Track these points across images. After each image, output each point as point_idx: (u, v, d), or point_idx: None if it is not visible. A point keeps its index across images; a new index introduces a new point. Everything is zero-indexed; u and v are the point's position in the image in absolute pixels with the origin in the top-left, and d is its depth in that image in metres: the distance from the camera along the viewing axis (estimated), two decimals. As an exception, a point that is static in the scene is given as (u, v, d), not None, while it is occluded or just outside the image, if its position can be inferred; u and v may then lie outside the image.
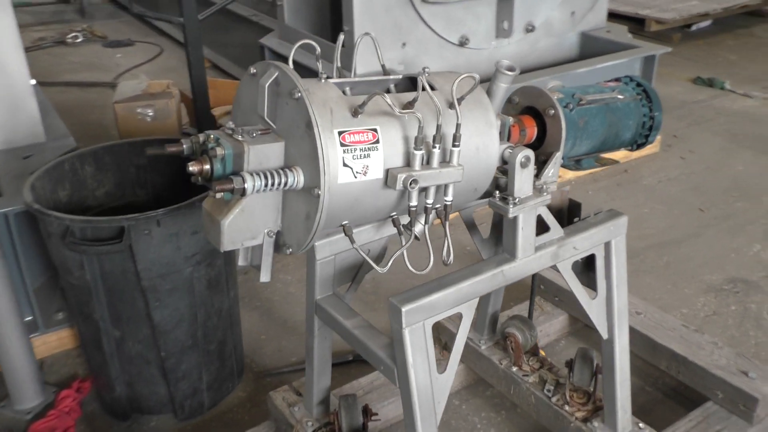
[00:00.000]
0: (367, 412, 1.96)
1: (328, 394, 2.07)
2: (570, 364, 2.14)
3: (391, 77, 1.59)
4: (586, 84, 1.94)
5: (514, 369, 2.27)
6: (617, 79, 1.98)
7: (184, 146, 1.42)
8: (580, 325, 2.72)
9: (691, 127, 4.50)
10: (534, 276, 2.24)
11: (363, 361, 2.56)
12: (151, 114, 3.33)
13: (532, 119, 1.74)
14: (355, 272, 1.89)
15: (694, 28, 6.54)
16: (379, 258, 1.90)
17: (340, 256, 1.81)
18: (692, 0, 6.69)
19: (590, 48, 4.23)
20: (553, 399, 2.15)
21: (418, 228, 1.56)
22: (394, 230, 1.78)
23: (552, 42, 4.18)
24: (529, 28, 4.02)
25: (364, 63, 2.42)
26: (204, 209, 1.43)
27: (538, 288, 2.67)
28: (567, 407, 2.12)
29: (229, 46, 5.74)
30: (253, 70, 1.45)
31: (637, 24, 6.08)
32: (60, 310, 2.73)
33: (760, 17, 6.86)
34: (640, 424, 2.04)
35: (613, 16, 4.37)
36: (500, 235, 2.02)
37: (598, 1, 4.28)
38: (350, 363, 2.58)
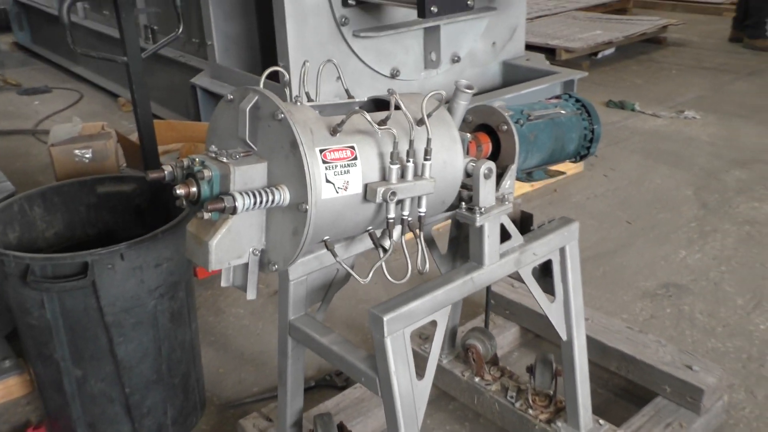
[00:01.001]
0: (342, 429, 1.99)
1: (300, 416, 2.09)
2: (531, 370, 2.24)
3: (357, 100, 1.67)
4: (524, 104, 2.08)
5: (477, 379, 2.36)
6: (557, 97, 2.13)
7: (166, 172, 1.44)
8: (531, 336, 2.84)
9: (609, 146, 4.78)
10: (488, 288, 2.33)
11: (325, 385, 2.61)
12: (89, 156, 3.29)
13: (486, 135, 1.85)
14: (324, 292, 1.94)
15: (600, 55, 6.95)
16: (347, 277, 1.96)
17: (311, 276, 1.86)
18: (596, 30, 7.13)
19: (512, 76, 4.45)
20: (517, 404, 2.24)
21: (386, 243, 1.63)
22: (362, 249, 1.86)
23: (477, 71, 4.38)
24: (455, 59, 4.21)
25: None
26: (189, 232, 1.46)
27: (485, 323, 2.77)
28: (530, 411, 2.21)
29: (154, 89, 5.70)
30: (230, 96, 1.50)
31: (548, 53, 6.41)
32: (6, 358, 2.64)
33: (657, 44, 7.36)
34: (600, 421, 2.15)
35: (526, 47, 4.64)
36: (458, 249, 2.12)
37: (516, 32, 4.52)
38: (313, 389, 2.60)
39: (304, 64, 1.71)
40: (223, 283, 1.54)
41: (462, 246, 2.10)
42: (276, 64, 4.08)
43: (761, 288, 3.17)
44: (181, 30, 2.72)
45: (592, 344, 2.53)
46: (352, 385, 2.44)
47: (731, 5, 8.61)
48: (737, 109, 5.46)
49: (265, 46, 4.47)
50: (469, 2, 3.37)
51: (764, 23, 7.01)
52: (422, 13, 3.22)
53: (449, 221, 2.09)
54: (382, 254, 1.56)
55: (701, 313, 3.01)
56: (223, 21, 4.25)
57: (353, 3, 3.66)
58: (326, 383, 2.62)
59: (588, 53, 6.72)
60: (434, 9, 3.21)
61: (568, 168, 4.31)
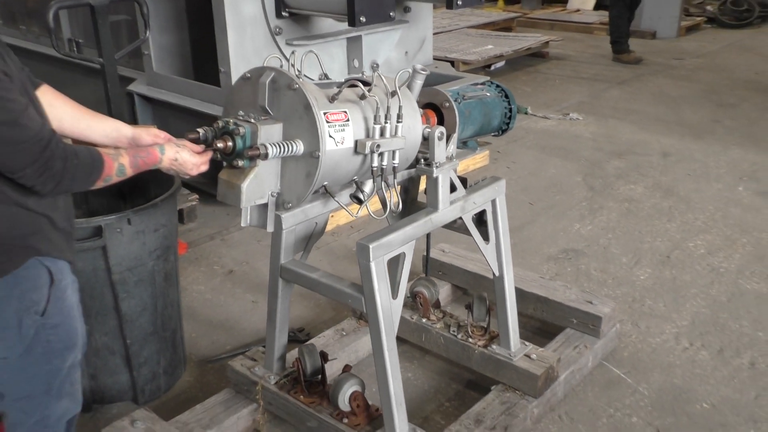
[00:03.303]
0: (324, 356, 2.42)
1: (285, 351, 2.49)
2: (469, 307, 2.74)
3: (340, 81, 2.12)
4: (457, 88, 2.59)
5: (424, 320, 2.83)
6: (481, 84, 2.67)
7: (200, 133, 1.85)
8: (460, 293, 3.35)
9: (509, 144, 5.42)
10: (428, 236, 2.79)
11: (290, 340, 3.00)
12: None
13: (432, 111, 2.35)
14: (306, 242, 2.36)
15: (492, 67, 7.68)
16: (321, 232, 2.40)
17: (297, 227, 2.28)
18: (488, 45, 7.86)
19: (425, 81, 4.99)
20: (459, 336, 2.73)
21: (367, 188, 2.09)
22: (336, 206, 2.30)
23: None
24: (374, 66, 4.71)
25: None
26: (221, 179, 1.86)
27: (424, 267, 3.25)
28: (470, 340, 2.70)
29: (84, 99, 5.87)
30: (247, 74, 1.92)
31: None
32: None
33: (541, 57, 8.19)
34: (526, 343, 2.68)
35: (430, 58, 5.23)
36: (406, 211, 2.60)
37: (424, 43, 5.09)
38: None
39: (292, 53, 2.14)
40: (242, 223, 1.95)
41: (409, 207, 2.57)
42: (207, 71, 4.47)
43: (640, 249, 3.83)
44: (148, 34, 3.06)
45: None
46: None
47: (601, 24, 9.66)
48: (612, 111, 6.27)
49: (195, 55, 4.82)
50: (391, 14, 3.88)
51: (624, 40, 8.01)
52: (352, 22, 3.70)
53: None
54: (365, 197, 2.02)
55: (595, 270, 3.63)
56: (158, 33, 4.56)
57: (286, 15, 4.09)
58: (291, 338, 3.01)
59: (482, 65, 7.42)
60: (363, 19, 3.70)
61: (476, 161, 4.91)
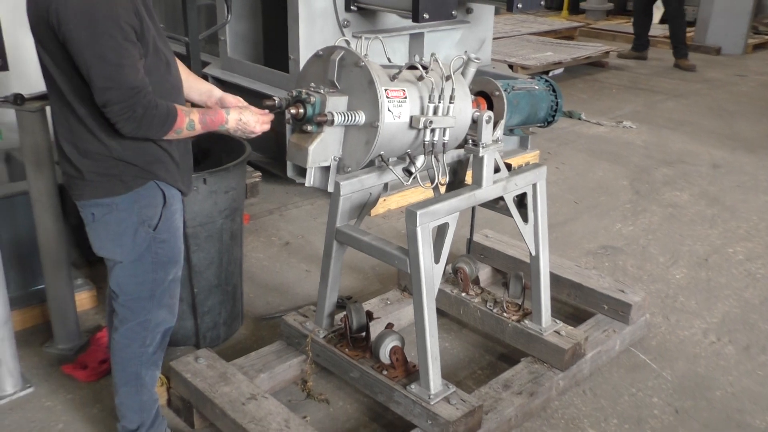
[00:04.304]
0: (370, 315, 2.66)
1: (334, 309, 2.74)
2: (505, 284, 2.95)
3: (401, 65, 2.35)
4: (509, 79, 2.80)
5: (463, 295, 3.05)
6: (531, 77, 2.87)
7: (276, 101, 2.11)
8: (499, 276, 3.55)
9: (560, 146, 5.58)
10: (473, 210, 2.99)
11: (344, 306, 3.25)
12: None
13: (483, 99, 2.57)
14: (360, 210, 2.61)
15: (551, 74, 7.81)
16: (375, 202, 2.64)
17: (353, 195, 2.53)
18: (547, 52, 8.00)
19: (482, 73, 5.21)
20: (494, 311, 2.94)
21: (419, 163, 2.32)
22: (390, 178, 2.54)
23: (451, 75, 5.12)
24: (433, 54, 4.93)
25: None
26: (291, 141, 2.12)
27: (467, 247, 3.46)
28: (505, 314, 2.91)
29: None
30: (320, 52, 2.17)
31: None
32: (77, 278, 3.20)
33: (600, 67, 8.29)
34: (557, 321, 2.87)
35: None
36: (456, 188, 2.81)
37: (484, 43, 5.30)
38: (329, 308, 3.24)
39: (360, 37, 2.38)
40: (307, 183, 2.20)
41: (456, 189, 2.78)
42: (278, 58, 4.76)
43: (678, 251, 3.97)
44: (229, 17, 3.36)
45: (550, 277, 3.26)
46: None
47: (664, 38, 9.68)
48: (666, 122, 6.36)
49: (267, 42, 5.13)
50: (453, 12, 4.11)
51: (682, 46, 8.27)
52: (416, 19, 3.94)
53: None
54: (416, 168, 2.26)
55: (632, 267, 3.79)
56: (234, 21, 4.88)
57: (354, 9, 4.36)
58: (339, 304, 3.26)
59: (541, 71, 7.55)
60: (426, 15, 3.94)
61: (526, 160, 5.09)
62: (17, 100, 2.48)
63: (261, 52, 5.17)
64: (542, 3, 4.56)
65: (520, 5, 4.29)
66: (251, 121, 2.06)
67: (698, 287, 3.59)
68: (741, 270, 3.77)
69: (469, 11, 5.00)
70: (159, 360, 2.24)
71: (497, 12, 5.71)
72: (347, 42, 2.26)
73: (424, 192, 4.44)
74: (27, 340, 2.93)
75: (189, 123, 1.94)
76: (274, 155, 4.75)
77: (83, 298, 3.14)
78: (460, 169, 2.77)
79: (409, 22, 4.51)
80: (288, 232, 4.07)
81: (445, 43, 4.96)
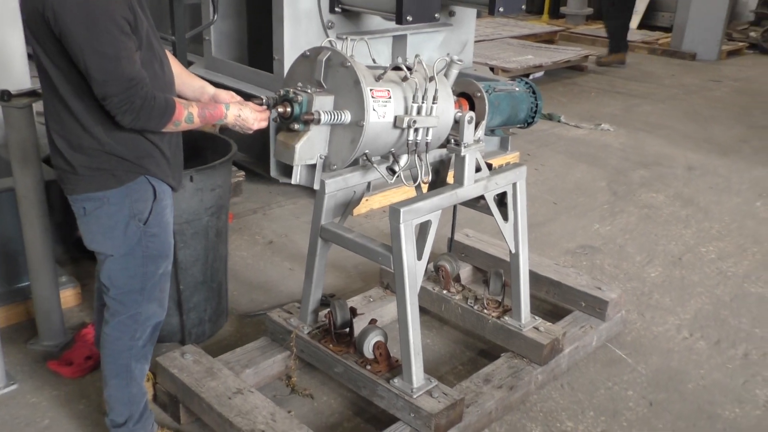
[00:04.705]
0: (353, 311, 2.71)
1: (318, 306, 2.79)
2: (486, 281, 3.01)
3: (386, 66, 2.41)
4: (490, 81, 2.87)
5: (444, 292, 3.11)
6: (512, 79, 2.94)
7: (263, 99, 2.16)
8: (480, 275, 3.61)
9: (540, 148, 5.68)
10: (455, 209, 3.06)
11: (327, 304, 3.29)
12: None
13: (465, 100, 2.63)
14: (344, 208, 2.66)
15: (531, 77, 7.91)
16: (358, 200, 2.70)
17: (337, 193, 2.58)
18: (528, 55, 8.11)
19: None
20: (475, 307, 3.00)
21: (402, 161, 2.38)
22: (374, 177, 2.59)
23: (433, 77, 5.19)
24: (417, 56, 5.00)
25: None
26: (278, 140, 2.17)
27: (448, 245, 3.52)
28: (485, 311, 2.97)
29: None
30: (307, 53, 2.23)
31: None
32: (62, 275, 3.22)
33: (580, 71, 8.41)
34: (536, 317, 2.94)
35: (471, 63, 5.49)
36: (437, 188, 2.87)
37: (466, 46, 5.37)
38: (312, 305, 3.28)
39: (345, 38, 2.43)
40: (293, 181, 2.25)
41: (438, 186, 2.85)
42: (262, 59, 4.80)
43: (654, 251, 4.06)
44: (215, 17, 3.40)
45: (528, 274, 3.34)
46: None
47: (642, 43, 9.85)
48: (643, 125, 6.48)
49: (251, 42, 5.17)
50: (436, 15, 4.17)
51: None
52: (399, 20, 4.00)
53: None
54: (399, 166, 2.32)
55: (609, 265, 3.88)
56: (219, 20, 4.92)
57: (339, 10, 4.41)
58: (322, 302, 3.31)
59: (521, 74, 7.65)
60: (409, 18, 4.01)
61: (505, 161, 5.17)
62: (4, 96, 2.50)
63: (245, 52, 5.20)
64: (523, 7, 4.64)
65: (501, 8, 4.36)
66: (249, 117, 2.11)
67: (672, 285, 3.68)
68: (713, 268, 3.87)
69: (451, 14, 5.07)
70: (149, 354, 2.28)
71: (479, 15, 5.78)
72: (332, 43, 2.31)
73: (406, 192, 4.50)
74: (11, 337, 2.94)
75: (188, 116, 1.98)
76: (257, 155, 4.78)
77: (67, 296, 3.16)
78: (442, 169, 2.83)
79: (392, 24, 4.57)
80: (271, 230, 4.11)
81: (428, 46, 5.03)
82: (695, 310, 3.46)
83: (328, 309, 2.72)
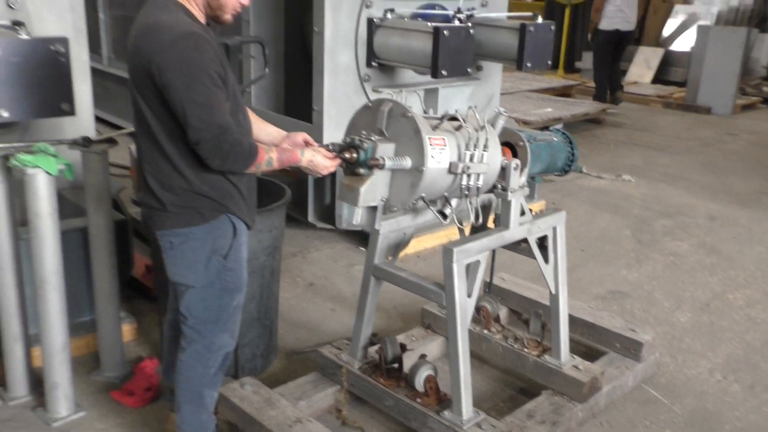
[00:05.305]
0: (403, 347, 2.84)
1: (368, 342, 2.93)
2: (526, 322, 3.15)
3: (440, 116, 2.60)
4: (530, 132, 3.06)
5: (485, 332, 3.24)
6: (551, 130, 3.13)
7: (330, 146, 2.35)
8: (515, 318, 3.74)
9: (564, 197, 5.85)
10: (494, 252, 3.21)
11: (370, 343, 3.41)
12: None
13: (508, 148, 2.81)
14: (395, 249, 2.83)
15: (551, 129, 8.14)
16: (408, 242, 2.86)
17: (390, 235, 2.75)
18: (547, 108, 8.36)
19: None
20: (515, 346, 3.13)
21: (448, 210, 2.55)
22: (423, 220, 2.76)
23: (462, 128, 5.41)
24: (471, 106, 5.21)
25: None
26: (344, 183, 2.35)
27: (487, 286, 3.66)
28: (525, 350, 3.10)
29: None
30: (369, 104, 2.42)
31: (510, 124, 7.56)
32: (121, 311, 3.38)
33: (598, 123, 8.65)
34: (575, 356, 3.06)
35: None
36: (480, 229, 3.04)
37: (492, 99, 5.60)
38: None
39: (400, 91, 2.64)
40: (354, 222, 2.42)
41: (480, 230, 3.01)
42: (298, 109, 5.03)
43: (681, 297, 4.19)
44: (267, 71, 3.63)
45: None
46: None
47: (657, 97, 10.11)
48: (662, 176, 6.66)
49: (288, 93, 5.42)
50: (468, 70, 4.40)
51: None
52: (435, 75, 4.22)
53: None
54: (450, 209, 2.49)
55: (638, 310, 4.00)
56: (259, 73, 5.18)
57: (375, 64, 4.65)
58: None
59: (541, 126, 7.89)
60: (444, 72, 4.23)
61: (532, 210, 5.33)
62: (86, 142, 2.71)
63: (282, 102, 5.44)
64: (549, 62, 4.87)
65: (529, 64, 4.58)
66: (320, 163, 2.29)
67: (702, 330, 3.80)
68: (741, 315, 3.99)
69: (479, 68, 5.31)
70: (219, 382, 2.42)
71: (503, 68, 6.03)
72: (392, 95, 2.51)
73: (438, 239, 4.68)
74: (75, 368, 3.06)
75: (268, 160, 2.17)
76: (295, 201, 4.97)
77: (126, 331, 3.31)
78: (484, 213, 2.99)
79: (424, 78, 4.81)
80: (311, 273, 4.27)
81: (457, 98, 5.26)
82: (726, 354, 3.56)
83: (378, 345, 2.86)
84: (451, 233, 4.57)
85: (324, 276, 4.23)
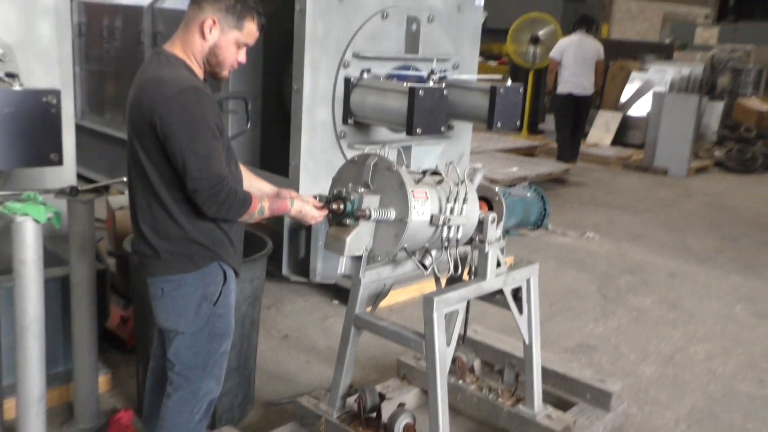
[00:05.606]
0: (382, 397, 2.89)
1: (348, 390, 2.97)
2: (500, 372, 3.23)
3: (422, 170, 2.71)
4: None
5: (460, 382, 3.31)
6: (524, 186, 3.28)
7: (317, 197, 2.44)
8: (488, 369, 3.82)
9: (531, 253, 6.01)
10: (468, 304, 3.30)
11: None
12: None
13: (484, 202, 2.94)
14: (375, 299, 2.91)
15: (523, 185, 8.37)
16: (387, 293, 2.95)
17: (371, 285, 2.83)
18: (513, 167, 8.61)
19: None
20: (490, 396, 3.20)
21: (428, 261, 2.66)
22: (402, 271, 2.86)
23: (433, 185, 5.56)
24: (449, 162, 5.36)
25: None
26: (329, 233, 2.44)
27: (461, 337, 3.73)
28: (500, 400, 3.17)
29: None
30: (354, 158, 2.54)
31: (477, 182, 7.76)
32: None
33: (562, 183, 8.92)
34: (548, 406, 3.14)
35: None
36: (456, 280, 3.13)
37: (462, 157, 5.78)
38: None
39: (383, 147, 2.75)
40: (338, 271, 2.50)
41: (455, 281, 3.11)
42: (274, 163, 5.13)
43: (646, 350, 4.32)
44: (248, 126, 3.73)
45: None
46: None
47: (617, 158, 10.48)
48: (624, 234, 6.88)
49: (264, 148, 5.53)
50: (442, 128, 4.57)
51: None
52: (410, 132, 4.38)
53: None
54: (431, 259, 2.59)
55: (606, 363, 4.11)
56: (237, 128, 5.28)
57: (351, 122, 4.80)
58: (341, 391, 3.47)
59: (507, 185, 8.12)
60: (419, 130, 4.39)
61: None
62: (73, 192, 2.76)
63: (258, 157, 5.55)
64: (518, 122, 5.08)
65: (499, 124, 4.78)
66: (309, 213, 2.38)
67: (666, 382, 3.91)
68: (703, 368, 4.12)
69: (450, 127, 5.50)
70: (203, 429, 2.44)
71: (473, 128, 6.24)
72: (376, 151, 2.63)
73: (410, 292, 4.76)
74: (47, 420, 3.05)
75: (260, 208, 2.25)
76: (269, 254, 5.02)
77: (101, 381, 3.29)
78: (461, 265, 3.10)
79: (398, 136, 4.98)
80: (285, 326, 4.30)
81: (429, 156, 5.42)
82: (690, 405, 3.68)
83: (357, 394, 2.90)
84: (423, 287, 4.66)
85: (298, 328, 4.27)
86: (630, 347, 4.33)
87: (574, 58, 9.52)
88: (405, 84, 4.35)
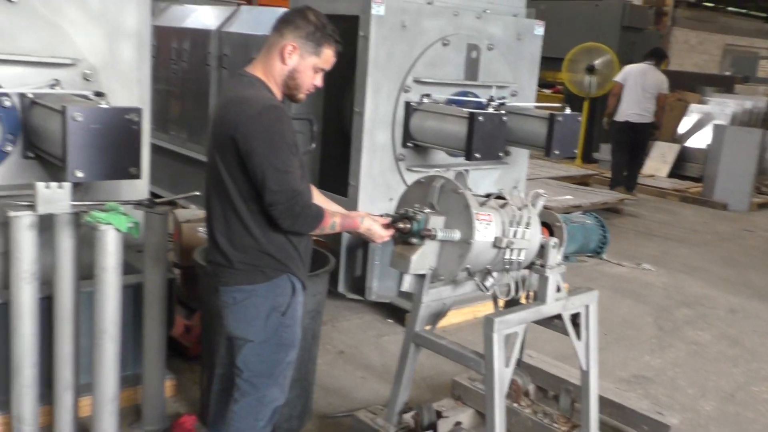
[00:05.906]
0: (439, 414, 2.93)
1: (404, 407, 3.02)
2: (556, 397, 3.23)
3: (488, 194, 2.77)
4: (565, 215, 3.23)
5: (515, 405, 3.32)
6: (584, 214, 3.31)
7: (389, 217, 2.53)
8: (542, 395, 3.81)
9: (585, 282, 5.96)
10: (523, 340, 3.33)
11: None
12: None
13: (546, 228, 2.98)
14: (435, 318, 2.96)
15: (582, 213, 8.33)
16: (446, 312, 3.00)
17: (432, 304, 2.88)
18: (567, 195, 8.57)
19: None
20: (545, 421, 3.20)
21: (489, 282, 2.70)
22: (462, 292, 2.90)
23: (489, 210, 5.60)
24: (514, 187, 5.43)
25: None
26: (395, 251, 2.52)
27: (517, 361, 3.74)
28: (555, 425, 3.17)
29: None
30: (421, 180, 2.61)
31: (531, 209, 7.75)
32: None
33: (616, 213, 8.84)
34: (604, 434, 3.13)
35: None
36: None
37: (518, 183, 5.82)
38: (386, 412, 3.50)
39: (447, 170, 2.83)
40: (403, 288, 2.57)
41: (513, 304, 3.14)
42: (332, 184, 5.25)
43: (705, 385, 4.25)
44: (313, 146, 3.85)
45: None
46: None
47: (674, 191, 10.33)
48: (682, 267, 6.78)
49: (322, 169, 5.66)
50: (500, 154, 4.63)
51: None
52: (469, 157, 4.44)
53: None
54: (490, 283, 2.63)
55: (663, 395, 4.06)
56: (301, 147, 5.43)
57: (410, 145, 4.89)
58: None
59: (561, 213, 8.08)
60: (477, 155, 4.45)
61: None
62: (150, 203, 2.90)
63: (317, 176, 5.68)
64: (575, 150, 5.09)
65: (557, 151, 4.81)
66: (377, 232, 2.47)
67: (728, 420, 3.85)
68: (767, 407, 4.04)
69: (507, 153, 5.54)
70: None
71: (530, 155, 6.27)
72: (442, 174, 2.71)
73: (464, 315, 4.79)
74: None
75: (332, 224, 2.35)
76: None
77: (166, 386, 3.41)
78: (520, 289, 3.13)
79: (455, 160, 5.03)
80: (341, 342, 4.38)
81: (485, 182, 5.47)
82: (751, 442, 3.61)
83: (413, 411, 2.95)
84: (476, 310, 4.69)
85: (354, 345, 4.34)
86: (688, 381, 4.27)
87: (634, 87, 9.48)
88: (464, 109, 4.43)
